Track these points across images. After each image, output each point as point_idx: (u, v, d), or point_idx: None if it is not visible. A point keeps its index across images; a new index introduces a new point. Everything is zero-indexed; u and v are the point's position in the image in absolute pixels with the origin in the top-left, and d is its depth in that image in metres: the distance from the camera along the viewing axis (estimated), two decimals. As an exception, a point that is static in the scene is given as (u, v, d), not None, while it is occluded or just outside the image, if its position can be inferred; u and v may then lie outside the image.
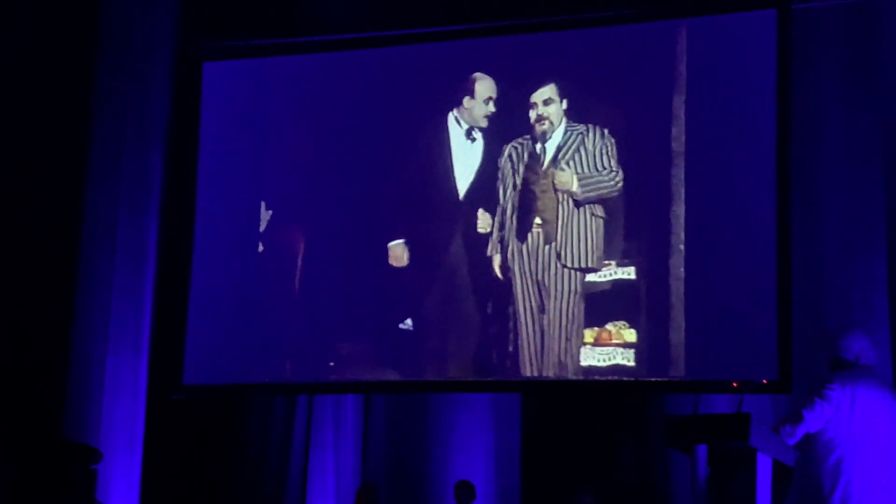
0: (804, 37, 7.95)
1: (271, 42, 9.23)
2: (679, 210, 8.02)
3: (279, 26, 9.22)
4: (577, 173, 8.29)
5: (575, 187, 8.27)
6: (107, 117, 9.21)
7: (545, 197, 8.37)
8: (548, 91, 8.45)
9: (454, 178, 8.66)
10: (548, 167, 8.36)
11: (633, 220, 8.19)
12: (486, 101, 8.62)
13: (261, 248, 9.05)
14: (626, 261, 8.14)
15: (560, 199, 8.31)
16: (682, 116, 8.10)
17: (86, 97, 9.18)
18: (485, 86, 8.65)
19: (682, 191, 8.02)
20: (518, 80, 8.57)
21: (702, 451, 5.72)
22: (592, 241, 8.19)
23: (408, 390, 8.81)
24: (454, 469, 8.63)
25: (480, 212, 8.52)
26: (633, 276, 8.11)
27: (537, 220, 8.37)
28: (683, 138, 8.08)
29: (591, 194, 8.26)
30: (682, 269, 7.95)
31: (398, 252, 8.67)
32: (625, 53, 8.40)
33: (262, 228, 9.07)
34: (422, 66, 8.93)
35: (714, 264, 7.88)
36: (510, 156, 8.48)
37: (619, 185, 8.20)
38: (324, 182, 8.99)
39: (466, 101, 8.66)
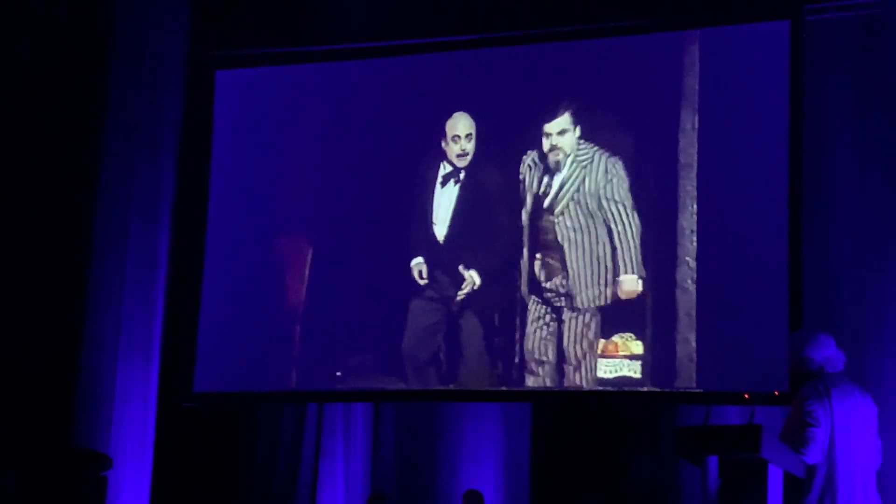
0: (817, 48, 7.94)
1: (284, 51, 9.25)
2: (686, 222, 8.02)
3: (292, 35, 9.23)
4: (565, 230, 8.31)
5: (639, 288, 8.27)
6: (119, 125, 9.23)
7: (548, 236, 8.38)
8: (563, 122, 8.44)
9: (431, 217, 8.72)
10: (550, 204, 8.36)
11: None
12: (456, 139, 8.66)
13: (271, 256, 9.07)
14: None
15: (562, 242, 8.33)
16: (692, 128, 8.10)
17: (98, 105, 9.21)
18: (452, 124, 8.70)
19: (690, 202, 8.02)
20: (527, 97, 8.57)
21: (713, 462, 5.71)
22: (599, 278, 8.20)
23: (417, 399, 8.81)
24: (464, 479, 8.62)
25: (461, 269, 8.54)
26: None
27: (538, 255, 8.37)
28: (693, 150, 8.08)
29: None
30: (690, 281, 7.95)
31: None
32: (635, 65, 8.40)
33: (272, 237, 9.09)
34: (434, 74, 8.95)
35: (725, 275, 7.87)
36: (528, 168, 8.48)
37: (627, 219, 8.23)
38: (334, 190, 9.00)
39: (443, 143, 8.71)
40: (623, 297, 8.13)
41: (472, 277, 8.51)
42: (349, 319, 8.81)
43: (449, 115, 8.76)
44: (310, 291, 8.96)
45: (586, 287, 8.22)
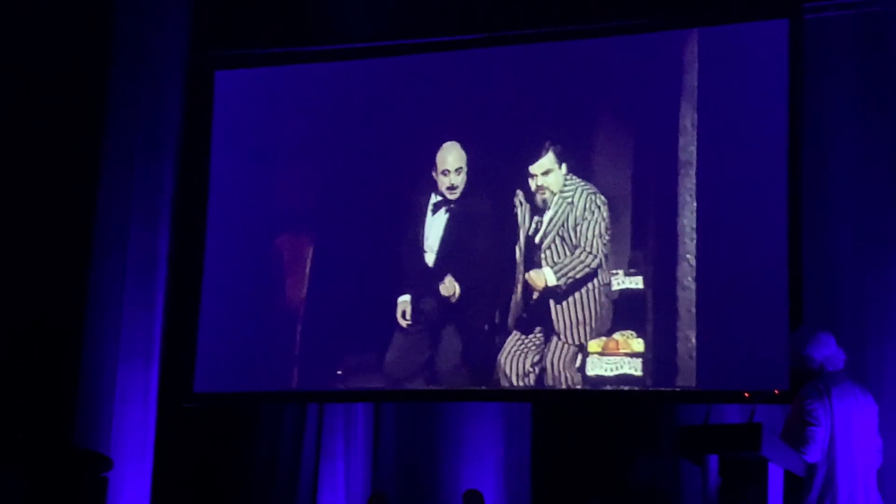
0: (816, 47, 7.94)
1: (283, 51, 9.24)
2: (686, 220, 8.02)
3: (291, 35, 9.23)
4: (552, 262, 8.32)
5: (552, 282, 8.31)
6: (119, 126, 9.22)
7: (537, 276, 8.38)
8: (546, 162, 8.43)
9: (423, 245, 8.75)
10: (539, 241, 8.37)
11: (639, 230, 8.19)
12: (446, 173, 8.67)
13: (271, 255, 9.07)
14: (633, 270, 8.15)
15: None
16: (691, 126, 8.10)
17: (98, 106, 9.20)
18: (443, 157, 8.71)
19: (691, 201, 8.03)
20: (520, 120, 8.59)
21: (713, 461, 5.71)
22: (589, 318, 8.21)
23: (418, 399, 8.82)
24: (464, 479, 8.61)
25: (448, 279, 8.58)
26: (640, 286, 8.12)
27: (534, 293, 8.37)
28: (692, 148, 8.08)
29: (568, 280, 8.28)
30: (690, 279, 7.95)
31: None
32: (633, 64, 8.40)
33: (272, 237, 9.09)
34: (434, 75, 8.94)
35: (725, 274, 7.87)
36: (519, 204, 8.49)
37: (593, 262, 8.21)
38: (334, 190, 9.00)
39: (433, 173, 8.72)
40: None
41: (454, 286, 8.53)
42: (350, 318, 8.81)
43: (448, 122, 8.76)
44: (310, 290, 8.96)
45: (575, 325, 8.23)
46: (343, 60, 9.11)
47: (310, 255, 8.99)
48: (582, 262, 8.24)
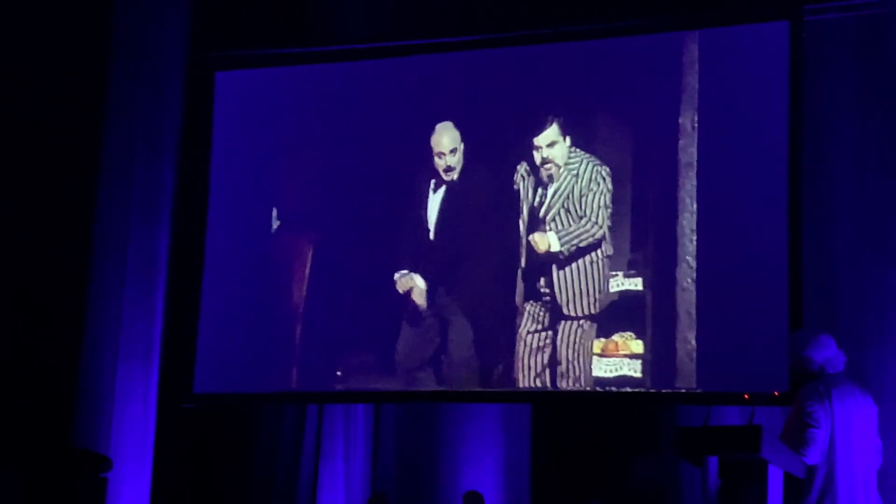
0: (816, 48, 7.94)
1: (283, 52, 9.25)
2: (686, 221, 8.02)
3: (292, 36, 9.24)
4: (557, 230, 8.32)
5: (555, 248, 8.31)
6: (119, 127, 9.23)
7: (541, 238, 8.38)
8: (551, 134, 8.44)
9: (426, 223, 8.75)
10: (544, 214, 8.37)
11: (639, 232, 8.19)
12: (441, 156, 8.68)
13: (271, 256, 9.07)
14: (633, 272, 8.15)
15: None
16: (691, 128, 8.10)
17: (98, 106, 9.20)
18: (437, 139, 8.71)
19: (691, 202, 8.03)
20: (518, 104, 8.58)
21: (713, 462, 5.71)
22: (592, 289, 8.20)
23: (418, 400, 8.81)
24: (464, 480, 8.62)
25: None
26: (639, 288, 8.12)
27: (534, 264, 8.37)
28: (692, 150, 8.08)
29: (571, 248, 8.28)
30: (690, 281, 7.95)
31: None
32: (634, 64, 8.40)
33: (272, 237, 9.09)
34: (434, 75, 8.95)
35: (725, 276, 7.87)
36: (522, 178, 8.48)
37: (598, 232, 8.22)
38: (334, 191, 9.01)
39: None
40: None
41: (416, 282, 8.55)
42: (350, 319, 8.82)
43: (446, 119, 8.76)
44: (310, 291, 8.96)
45: (579, 296, 8.22)
46: (342, 61, 9.12)
47: (310, 253, 9.00)
48: (587, 231, 8.23)
